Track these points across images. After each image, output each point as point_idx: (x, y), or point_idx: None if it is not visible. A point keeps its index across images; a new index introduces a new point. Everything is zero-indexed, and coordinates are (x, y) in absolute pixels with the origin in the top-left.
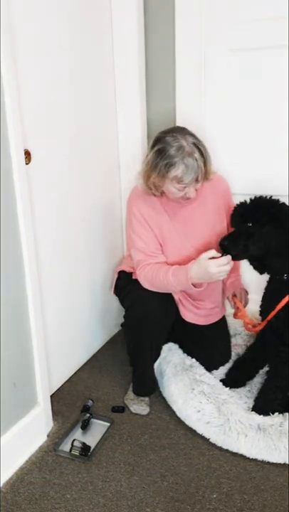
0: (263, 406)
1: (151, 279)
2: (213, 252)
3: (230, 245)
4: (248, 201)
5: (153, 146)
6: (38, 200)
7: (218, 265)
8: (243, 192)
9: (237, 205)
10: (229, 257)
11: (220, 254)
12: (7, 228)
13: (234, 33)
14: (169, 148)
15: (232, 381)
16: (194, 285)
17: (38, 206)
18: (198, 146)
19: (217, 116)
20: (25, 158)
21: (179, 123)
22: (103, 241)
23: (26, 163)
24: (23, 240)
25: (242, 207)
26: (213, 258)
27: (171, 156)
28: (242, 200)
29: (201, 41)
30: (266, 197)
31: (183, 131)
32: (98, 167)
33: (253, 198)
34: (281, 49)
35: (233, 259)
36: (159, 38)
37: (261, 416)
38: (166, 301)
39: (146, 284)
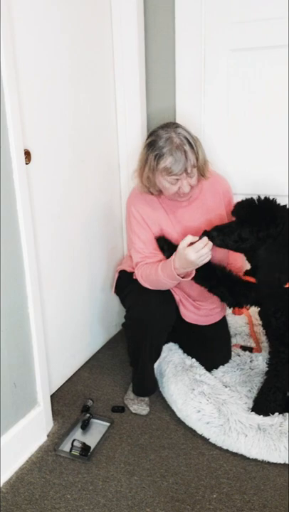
0: (262, 406)
1: (147, 277)
2: (189, 238)
3: (218, 240)
4: (259, 200)
5: (146, 141)
6: (38, 200)
7: (196, 251)
8: (242, 192)
9: (246, 200)
10: (205, 239)
11: (197, 238)
12: (7, 228)
13: (234, 33)
14: (158, 139)
15: None
16: (183, 275)
17: (38, 206)
18: (189, 139)
19: (217, 116)
20: (25, 158)
21: (179, 123)
22: (103, 241)
23: (26, 163)
24: (23, 239)
25: (250, 206)
26: (192, 243)
27: (160, 147)
28: (254, 197)
29: (201, 41)
30: (278, 203)
31: (175, 125)
32: (98, 167)
33: (264, 198)
34: (281, 49)
35: (215, 245)
36: (159, 38)
37: (261, 416)
38: (167, 302)
39: (143, 283)
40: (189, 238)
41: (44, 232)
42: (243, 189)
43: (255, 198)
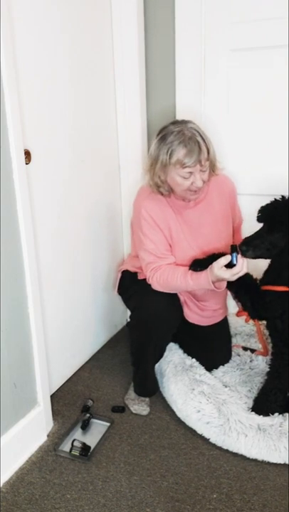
0: (262, 406)
1: (165, 282)
2: (222, 261)
3: (250, 253)
4: (285, 201)
5: (156, 137)
6: (38, 200)
7: (234, 274)
8: (242, 191)
9: (271, 204)
10: (241, 261)
11: (229, 257)
12: (7, 228)
13: (234, 33)
14: (169, 134)
15: None
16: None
17: (38, 206)
18: (200, 132)
19: (217, 115)
20: (25, 158)
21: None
22: (104, 240)
23: (26, 163)
24: (23, 239)
25: (277, 209)
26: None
27: (172, 141)
28: (277, 198)
29: (201, 41)
30: None
31: (185, 120)
32: (98, 166)
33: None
34: (281, 49)
35: (248, 258)
36: (159, 38)
37: (261, 416)
38: (173, 303)
39: (157, 287)
40: (223, 261)
41: (44, 232)
42: (243, 189)
43: (278, 198)
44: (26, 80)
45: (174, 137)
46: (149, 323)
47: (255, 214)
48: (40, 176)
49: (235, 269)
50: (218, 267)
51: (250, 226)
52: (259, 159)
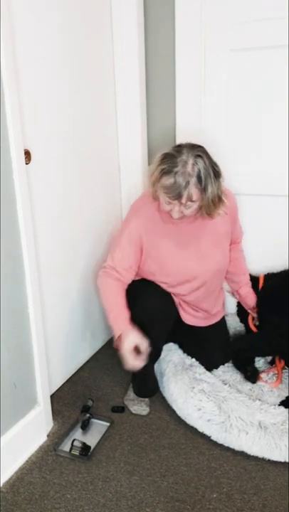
0: (240, 348)
1: (102, 292)
2: (133, 343)
3: None
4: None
5: (163, 153)
6: (38, 200)
7: (131, 364)
8: (242, 192)
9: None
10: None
11: (142, 342)
12: (7, 228)
13: (234, 33)
14: (175, 157)
15: None
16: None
17: (38, 206)
18: (201, 175)
19: (217, 115)
20: (25, 158)
21: (180, 123)
22: (103, 240)
23: (26, 163)
24: (23, 239)
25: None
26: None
27: (171, 165)
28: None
29: (201, 41)
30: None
31: (200, 151)
32: (98, 166)
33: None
34: (281, 49)
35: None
36: (159, 37)
37: (262, 414)
38: (166, 303)
39: (99, 287)
40: (134, 343)
41: (44, 232)
42: (243, 189)
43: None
44: (26, 80)
45: (174, 163)
46: (144, 323)
47: (255, 214)
48: (40, 176)
49: (135, 362)
50: (129, 349)
51: (251, 226)
52: (259, 159)
